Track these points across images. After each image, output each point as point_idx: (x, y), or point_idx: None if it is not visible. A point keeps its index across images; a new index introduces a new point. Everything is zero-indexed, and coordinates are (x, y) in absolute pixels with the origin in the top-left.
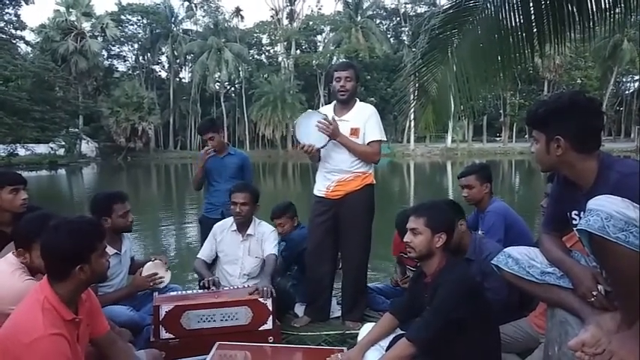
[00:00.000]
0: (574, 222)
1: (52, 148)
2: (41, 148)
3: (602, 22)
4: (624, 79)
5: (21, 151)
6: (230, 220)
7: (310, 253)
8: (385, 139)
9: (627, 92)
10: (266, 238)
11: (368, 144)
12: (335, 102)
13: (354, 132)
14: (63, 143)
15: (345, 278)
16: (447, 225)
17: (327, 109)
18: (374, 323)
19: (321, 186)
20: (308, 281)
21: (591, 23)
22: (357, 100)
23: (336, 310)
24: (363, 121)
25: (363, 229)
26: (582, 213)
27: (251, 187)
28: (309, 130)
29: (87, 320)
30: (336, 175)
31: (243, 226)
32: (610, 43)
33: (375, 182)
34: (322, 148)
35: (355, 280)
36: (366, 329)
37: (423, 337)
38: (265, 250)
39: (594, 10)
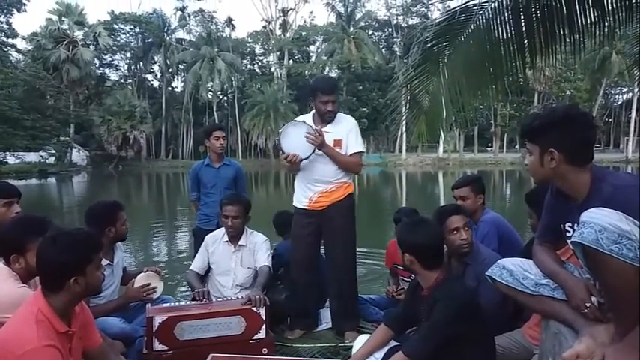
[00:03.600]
0: (567, 234)
1: (42, 156)
2: (31, 157)
3: (591, 35)
4: (613, 91)
5: (10, 160)
6: (222, 231)
7: (295, 264)
8: (364, 151)
9: (616, 104)
10: (258, 248)
11: (350, 155)
12: (314, 113)
13: (337, 143)
14: (53, 152)
15: (335, 287)
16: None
17: (307, 120)
18: (368, 335)
19: (302, 197)
20: (295, 293)
21: (580, 36)
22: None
23: (330, 322)
24: (346, 132)
25: (350, 237)
26: (576, 225)
27: (242, 198)
28: (293, 140)
29: (80, 333)
30: (319, 187)
31: (234, 237)
32: (599, 56)
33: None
34: (306, 159)
35: (347, 287)
36: (360, 341)
37: (419, 352)
38: (258, 260)
39: (583, 23)
